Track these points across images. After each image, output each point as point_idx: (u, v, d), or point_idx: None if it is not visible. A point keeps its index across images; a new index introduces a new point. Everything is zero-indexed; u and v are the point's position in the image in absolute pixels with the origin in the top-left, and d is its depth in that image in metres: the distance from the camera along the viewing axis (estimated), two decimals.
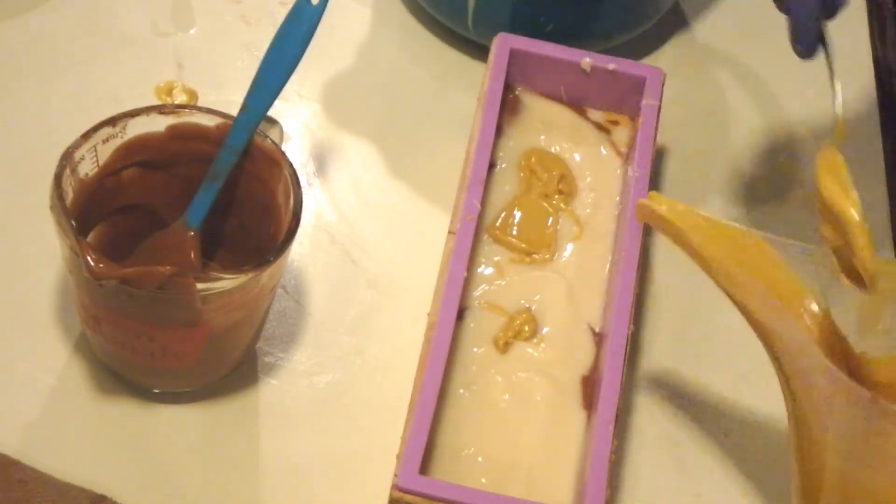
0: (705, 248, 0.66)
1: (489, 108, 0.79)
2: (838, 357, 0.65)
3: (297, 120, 0.85)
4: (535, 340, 0.74)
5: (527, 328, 0.74)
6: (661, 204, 0.67)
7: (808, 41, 0.70)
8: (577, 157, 0.81)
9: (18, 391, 0.72)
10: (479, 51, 0.88)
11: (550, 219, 0.78)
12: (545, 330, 0.74)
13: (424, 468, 0.67)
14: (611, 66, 0.81)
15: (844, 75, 0.94)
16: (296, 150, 0.83)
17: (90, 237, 0.70)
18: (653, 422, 0.76)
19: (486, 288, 0.75)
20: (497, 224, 0.78)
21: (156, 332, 0.68)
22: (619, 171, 0.81)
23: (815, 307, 0.66)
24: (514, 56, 0.81)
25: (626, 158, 0.81)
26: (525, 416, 0.71)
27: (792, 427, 0.66)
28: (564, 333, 0.74)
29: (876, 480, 0.63)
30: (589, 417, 0.71)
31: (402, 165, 0.84)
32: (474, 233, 0.74)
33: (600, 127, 0.82)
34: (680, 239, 0.67)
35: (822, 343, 0.65)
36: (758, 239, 0.67)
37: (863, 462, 0.62)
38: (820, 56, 0.90)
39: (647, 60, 0.91)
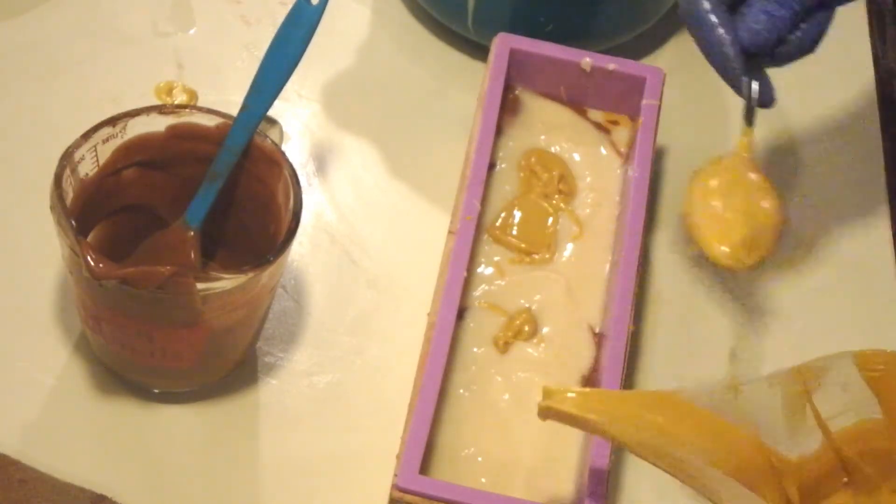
0: (625, 432, 0.61)
1: (489, 108, 0.79)
2: (778, 474, 0.64)
3: (297, 120, 0.85)
4: (535, 340, 0.74)
5: (527, 328, 0.74)
6: (562, 401, 0.61)
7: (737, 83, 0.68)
8: (576, 157, 0.81)
9: (18, 391, 0.72)
10: (479, 51, 0.88)
11: (550, 219, 0.78)
12: (545, 330, 0.74)
13: (424, 468, 0.67)
14: (611, 66, 0.81)
15: (845, 75, 0.94)
16: (296, 150, 0.83)
17: (90, 237, 0.70)
18: None
19: (486, 288, 0.75)
20: (497, 224, 0.78)
21: (156, 332, 0.68)
22: (619, 171, 0.81)
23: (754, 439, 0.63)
24: (514, 56, 0.81)
25: (626, 158, 0.81)
26: (525, 416, 0.71)
27: None
28: (564, 333, 0.74)
29: None
30: None
31: (402, 165, 0.84)
32: (474, 233, 0.74)
33: (600, 127, 0.82)
34: (595, 429, 0.61)
35: (766, 468, 0.63)
36: (677, 398, 0.63)
37: None
38: (816, 56, 0.90)
39: (647, 60, 0.91)
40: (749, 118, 0.69)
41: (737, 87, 0.69)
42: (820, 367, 0.64)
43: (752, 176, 0.69)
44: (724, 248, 0.68)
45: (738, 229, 0.68)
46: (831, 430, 0.64)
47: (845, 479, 0.65)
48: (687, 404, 0.62)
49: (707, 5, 0.67)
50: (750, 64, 0.69)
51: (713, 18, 0.67)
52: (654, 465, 0.62)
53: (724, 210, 0.69)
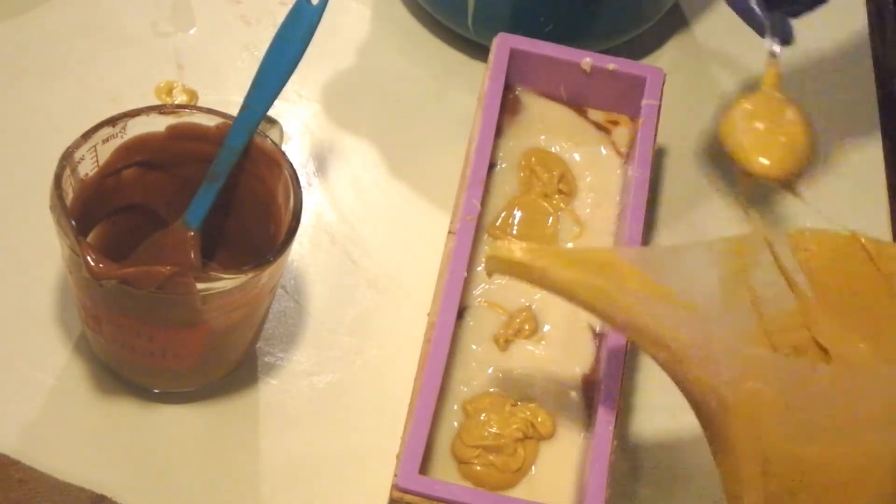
0: (569, 278, 0.63)
1: (489, 108, 0.79)
2: None
3: (297, 120, 0.85)
4: (535, 338, 0.74)
5: (527, 326, 0.74)
6: (510, 252, 0.63)
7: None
8: (577, 157, 0.81)
9: (18, 391, 0.72)
10: (479, 51, 0.88)
11: (550, 219, 0.78)
12: (546, 328, 0.74)
13: (424, 468, 0.67)
14: (611, 66, 0.81)
15: (845, 75, 0.94)
16: (296, 150, 0.83)
17: (90, 237, 0.70)
18: (653, 422, 0.76)
19: (487, 287, 0.75)
20: (497, 224, 0.78)
21: (156, 332, 0.68)
22: (619, 171, 0.81)
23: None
24: (514, 56, 0.81)
25: (627, 158, 0.81)
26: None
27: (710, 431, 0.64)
28: (565, 332, 0.74)
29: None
30: (590, 416, 0.71)
31: (402, 165, 0.84)
32: (474, 233, 0.74)
33: (600, 127, 0.82)
34: (545, 279, 0.63)
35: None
36: (618, 258, 0.64)
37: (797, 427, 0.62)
38: (816, 55, 0.91)
39: (647, 60, 0.91)
40: (772, 54, 0.76)
41: (759, 26, 0.75)
42: (755, 242, 0.65)
43: (780, 98, 0.76)
44: (764, 160, 0.74)
45: (775, 142, 0.75)
46: (765, 315, 0.64)
47: None
48: (629, 267, 0.63)
49: None
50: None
51: None
52: (593, 312, 0.63)
53: (761, 127, 0.75)
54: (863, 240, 0.65)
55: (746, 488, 0.62)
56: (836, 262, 0.65)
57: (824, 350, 0.64)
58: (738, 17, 0.77)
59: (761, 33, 0.76)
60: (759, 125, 0.76)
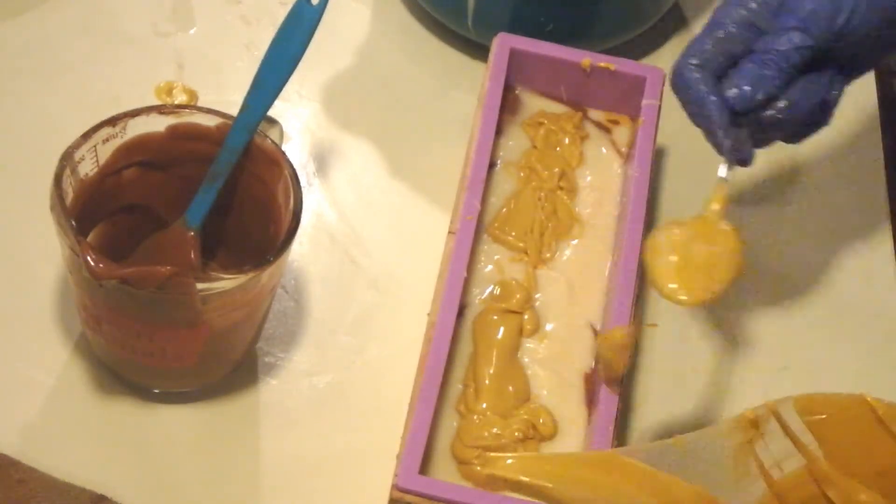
0: (567, 493, 0.61)
1: (489, 108, 0.79)
2: None
3: (297, 120, 0.85)
4: (537, 337, 0.74)
5: (528, 326, 0.74)
6: (503, 468, 0.61)
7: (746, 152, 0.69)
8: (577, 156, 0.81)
9: (18, 391, 0.72)
10: (479, 51, 0.88)
11: (549, 217, 0.78)
12: (549, 327, 0.74)
13: (424, 468, 0.67)
14: (611, 66, 0.81)
15: None
16: (296, 150, 0.84)
17: (90, 237, 0.70)
18: (653, 422, 0.76)
19: (487, 286, 0.75)
20: (497, 223, 0.77)
21: (156, 332, 0.68)
22: (619, 171, 0.81)
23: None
24: (514, 56, 0.81)
25: (627, 158, 0.81)
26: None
27: None
28: (566, 331, 0.74)
29: None
30: (590, 416, 0.71)
31: (402, 165, 0.84)
32: (474, 233, 0.74)
33: (600, 127, 0.82)
34: (539, 493, 0.61)
35: None
36: (619, 458, 0.62)
37: None
38: None
39: (647, 60, 0.91)
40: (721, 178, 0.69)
41: (717, 144, 0.68)
42: (761, 416, 0.64)
43: (717, 226, 0.69)
44: (673, 285, 0.67)
45: (693, 275, 0.68)
46: (774, 478, 0.64)
47: None
48: (630, 463, 0.62)
49: (695, 74, 0.67)
50: (737, 128, 0.68)
51: (700, 84, 0.67)
52: None
53: (676, 259, 0.68)
54: (869, 399, 0.64)
55: None
56: (845, 423, 0.64)
57: None
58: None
59: (720, 149, 0.68)
60: (676, 257, 0.68)
